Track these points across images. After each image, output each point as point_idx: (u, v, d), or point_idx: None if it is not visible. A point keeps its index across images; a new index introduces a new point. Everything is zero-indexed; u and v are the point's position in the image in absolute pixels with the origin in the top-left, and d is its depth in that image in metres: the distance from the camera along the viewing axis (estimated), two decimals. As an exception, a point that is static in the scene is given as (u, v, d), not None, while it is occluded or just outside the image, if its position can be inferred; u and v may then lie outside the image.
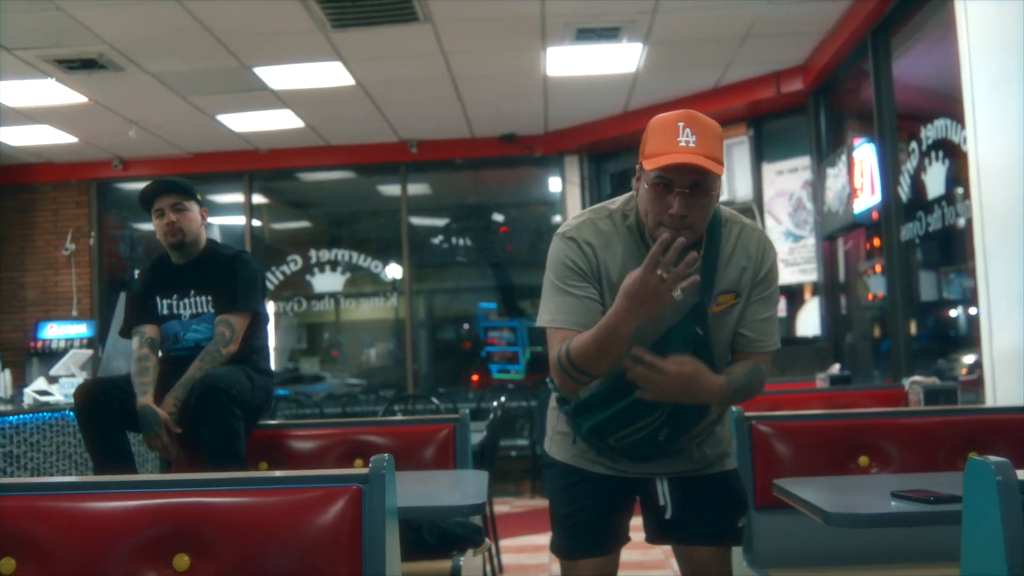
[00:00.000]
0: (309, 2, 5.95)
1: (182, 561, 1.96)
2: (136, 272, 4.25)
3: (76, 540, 2.01)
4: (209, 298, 4.01)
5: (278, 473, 2.13)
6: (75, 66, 7.02)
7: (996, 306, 4.34)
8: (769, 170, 8.46)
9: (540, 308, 2.59)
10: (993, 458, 1.68)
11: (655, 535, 2.85)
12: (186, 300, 4.03)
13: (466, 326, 10.87)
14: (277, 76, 7.51)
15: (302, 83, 7.69)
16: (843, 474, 3.28)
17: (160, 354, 4.05)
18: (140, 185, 4.12)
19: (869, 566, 3.28)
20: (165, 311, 4.03)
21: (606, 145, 9.34)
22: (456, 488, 3.04)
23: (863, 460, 3.47)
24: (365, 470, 2.04)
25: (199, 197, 4.11)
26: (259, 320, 4.11)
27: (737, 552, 3.49)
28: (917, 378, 4.56)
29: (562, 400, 2.70)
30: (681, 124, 2.35)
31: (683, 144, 2.33)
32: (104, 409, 3.75)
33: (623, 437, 2.59)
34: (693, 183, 2.35)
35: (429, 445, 3.87)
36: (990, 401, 4.49)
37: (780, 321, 8.18)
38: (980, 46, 4.49)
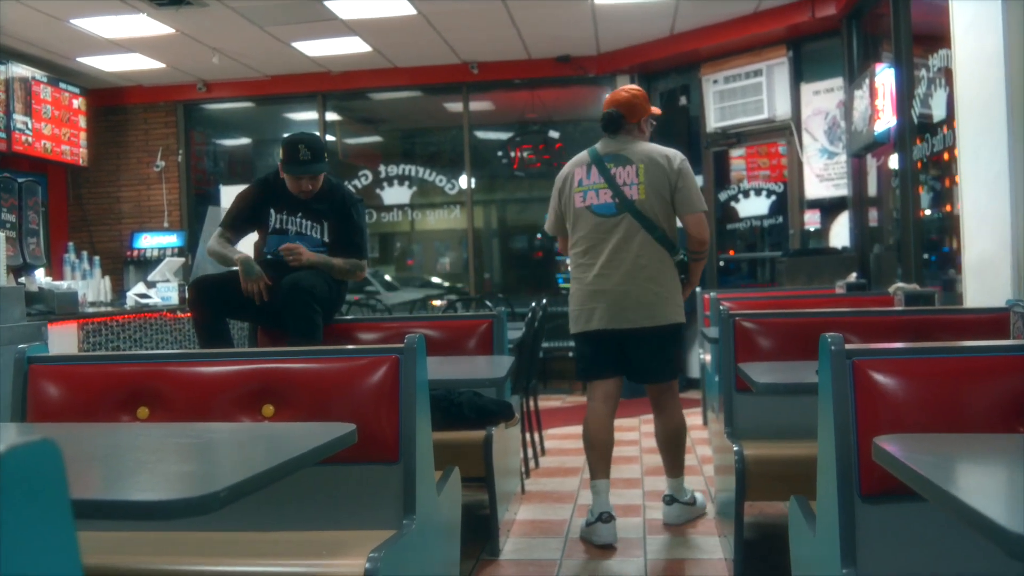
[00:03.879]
0: (372, -56, 6.58)
1: (268, 409, 2.73)
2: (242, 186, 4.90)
3: (190, 394, 2.80)
4: (318, 226, 4.63)
5: (337, 347, 2.87)
6: (164, 2, 7.76)
7: (968, 224, 4.92)
8: (807, 90, 8.94)
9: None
10: (832, 334, 2.35)
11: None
12: (295, 219, 4.63)
13: (539, 236, 11.41)
14: (346, 7, 8.17)
15: (369, 13, 8.35)
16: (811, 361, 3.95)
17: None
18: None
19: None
20: (275, 224, 4.63)
21: (655, 66, 9.86)
22: (484, 367, 3.78)
23: (828, 351, 4.13)
24: (402, 344, 2.78)
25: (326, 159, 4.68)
26: None
27: (722, 428, 4.21)
28: (900, 284, 5.16)
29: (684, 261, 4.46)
30: None
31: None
32: (214, 299, 4.48)
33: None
34: None
35: (472, 337, 4.62)
36: (966, 304, 5.07)
37: (813, 232, 8.67)
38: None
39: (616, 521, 4.40)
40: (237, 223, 4.76)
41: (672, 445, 4.71)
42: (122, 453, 1.95)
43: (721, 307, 4.23)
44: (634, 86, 4.72)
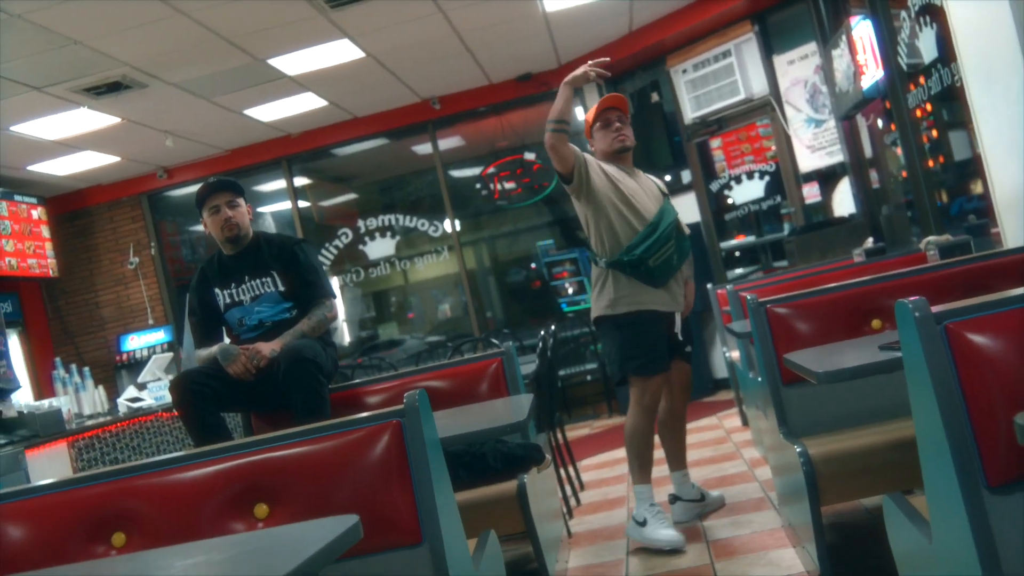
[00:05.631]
0: (305, -11, 6.23)
1: (262, 510, 2.31)
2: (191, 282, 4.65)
3: (170, 509, 2.37)
4: (268, 279, 4.35)
5: (328, 422, 2.45)
6: (102, 91, 7.39)
7: (992, 157, 4.53)
8: (780, 62, 8.57)
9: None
10: (913, 298, 1.93)
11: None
12: (244, 286, 4.37)
13: (533, 265, 11.06)
14: (291, 63, 7.80)
15: (316, 65, 7.97)
16: (857, 339, 3.53)
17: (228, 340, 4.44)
18: (187, 191, 4.52)
19: (897, 419, 3.52)
20: (227, 300, 4.38)
21: (620, 66, 9.45)
22: (502, 412, 3.35)
23: (876, 323, 3.72)
24: (401, 406, 2.37)
25: (245, 194, 4.49)
26: None
27: (776, 428, 3.79)
28: (931, 238, 4.76)
29: (615, 262, 4.32)
30: (604, 101, 4.57)
31: (615, 96, 4.67)
32: (198, 395, 4.12)
33: (659, 257, 4.30)
34: (619, 116, 4.51)
35: (482, 380, 4.21)
36: (1005, 246, 4.66)
37: (815, 205, 8.29)
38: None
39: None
40: (206, 332, 4.46)
41: (627, 447, 4.52)
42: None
43: (748, 297, 3.81)
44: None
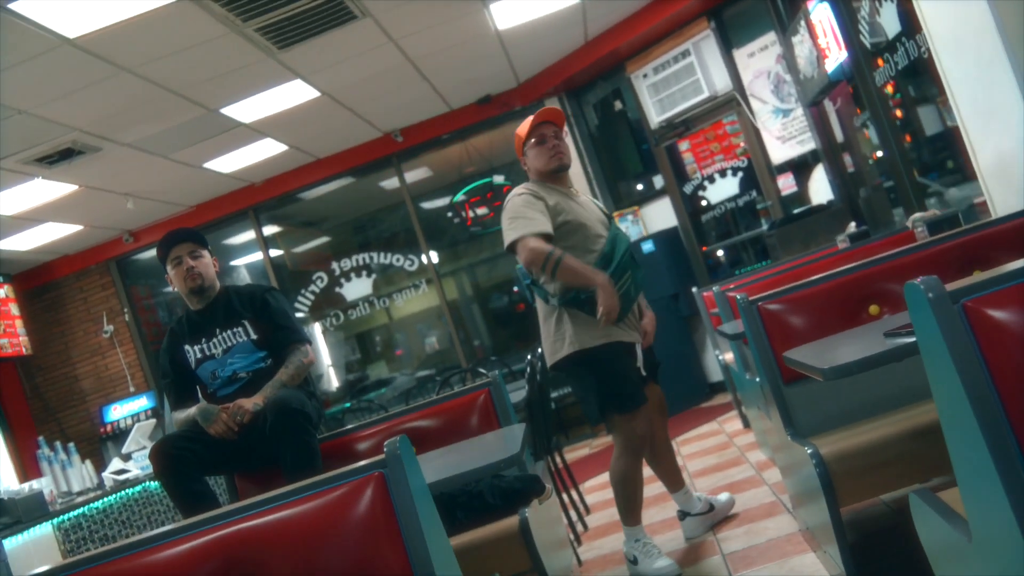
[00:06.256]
0: (249, 33, 6.05)
1: (247, 585, 2.11)
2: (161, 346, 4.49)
3: (146, 595, 2.17)
4: (239, 329, 4.20)
5: (307, 481, 2.26)
6: (55, 160, 7.19)
7: (971, 125, 4.39)
8: (741, 55, 8.44)
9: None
10: (923, 278, 1.76)
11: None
12: (215, 340, 4.20)
13: (515, 289, 10.89)
14: (246, 110, 7.62)
15: (271, 109, 7.79)
16: (856, 327, 3.36)
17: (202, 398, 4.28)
18: (155, 253, 4.34)
19: (908, 406, 3.36)
20: (198, 355, 4.21)
21: (579, 79, 9.35)
22: (493, 446, 3.17)
23: (873, 309, 3.56)
24: (382, 456, 2.18)
25: (209, 247, 4.34)
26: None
27: (782, 430, 3.61)
28: (917, 215, 4.62)
29: (571, 299, 4.03)
30: (540, 114, 4.24)
31: (549, 110, 4.28)
32: (179, 461, 3.94)
33: (624, 283, 3.96)
34: (555, 132, 4.24)
35: (471, 413, 4.02)
36: (994, 215, 4.52)
37: (791, 196, 8.15)
38: None
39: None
40: (181, 392, 4.29)
41: (615, 492, 4.25)
42: None
43: (738, 296, 3.65)
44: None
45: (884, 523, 3.84)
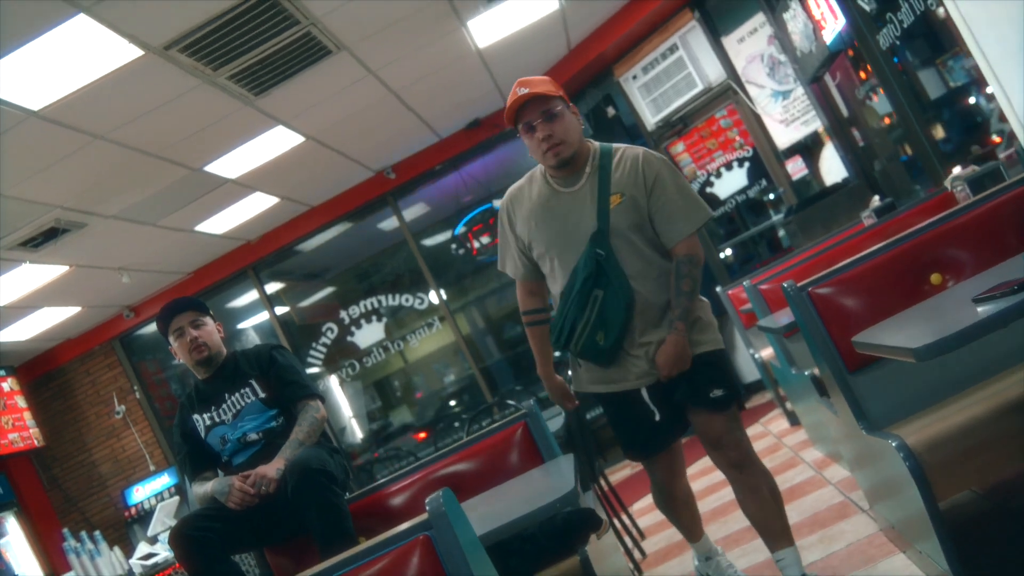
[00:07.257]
0: (222, 82, 5.77)
1: None
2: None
3: None
4: (247, 390, 3.99)
5: (346, 555, 1.95)
6: (39, 241, 6.89)
7: (1001, 71, 4.08)
8: (730, 42, 8.15)
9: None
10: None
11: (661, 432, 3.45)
12: (224, 406, 4.00)
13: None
14: (230, 165, 7.33)
15: (256, 160, 7.50)
16: (920, 302, 3.05)
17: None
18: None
19: (988, 380, 3.05)
20: (207, 422, 4.00)
21: (568, 88, 9.01)
22: (543, 485, 2.85)
23: (935, 278, 3.26)
24: (425, 516, 1.87)
25: (211, 312, 4.13)
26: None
27: (852, 423, 3.29)
28: (957, 171, 4.31)
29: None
30: (516, 88, 3.24)
31: (520, 94, 3.21)
32: (200, 543, 3.67)
33: (577, 340, 3.30)
34: (542, 112, 3.21)
35: (510, 450, 3.72)
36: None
37: (803, 180, 7.84)
38: None
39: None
40: (196, 464, 4.06)
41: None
42: None
43: (786, 284, 3.33)
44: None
45: (979, 511, 3.49)
